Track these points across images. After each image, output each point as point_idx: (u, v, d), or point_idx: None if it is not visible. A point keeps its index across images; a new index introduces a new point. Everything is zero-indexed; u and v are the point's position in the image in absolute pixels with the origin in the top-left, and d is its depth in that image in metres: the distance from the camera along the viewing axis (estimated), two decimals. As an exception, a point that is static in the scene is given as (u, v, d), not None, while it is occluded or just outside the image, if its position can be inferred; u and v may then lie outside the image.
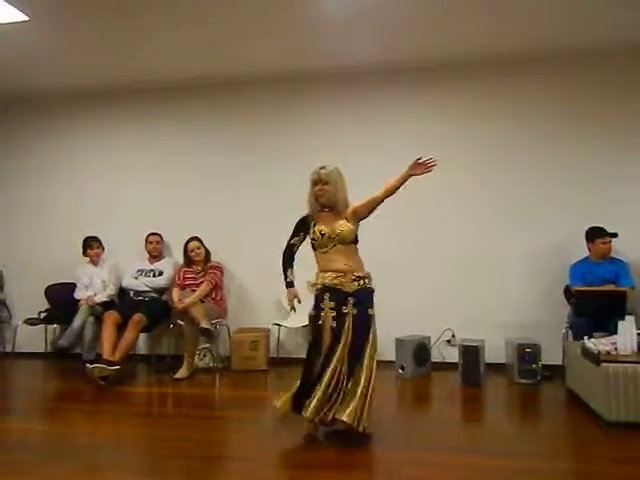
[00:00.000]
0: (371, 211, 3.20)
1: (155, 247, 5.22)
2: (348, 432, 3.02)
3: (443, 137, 4.93)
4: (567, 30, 4.30)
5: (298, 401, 3.12)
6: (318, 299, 3.17)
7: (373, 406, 3.08)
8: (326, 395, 3.02)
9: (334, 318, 3.10)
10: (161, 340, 5.30)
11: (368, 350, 3.08)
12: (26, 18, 3.95)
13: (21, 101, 5.77)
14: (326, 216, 3.22)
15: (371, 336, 3.11)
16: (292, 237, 3.32)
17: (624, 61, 4.64)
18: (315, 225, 3.21)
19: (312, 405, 3.01)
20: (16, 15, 3.90)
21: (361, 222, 3.26)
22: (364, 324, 3.10)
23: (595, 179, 4.68)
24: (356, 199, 3.63)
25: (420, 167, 3.06)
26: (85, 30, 4.24)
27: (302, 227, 3.29)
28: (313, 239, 3.21)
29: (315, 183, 3.19)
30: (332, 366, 3.03)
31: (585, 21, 4.15)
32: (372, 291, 3.20)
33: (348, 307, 3.11)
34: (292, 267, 3.30)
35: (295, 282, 3.31)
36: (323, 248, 3.18)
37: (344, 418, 2.92)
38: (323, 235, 3.16)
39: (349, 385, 3.03)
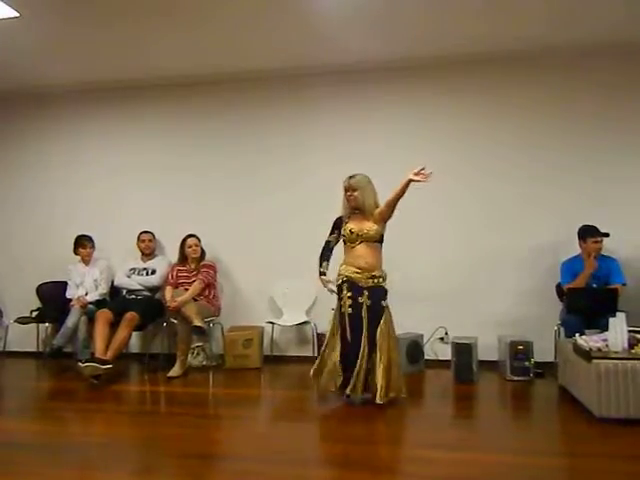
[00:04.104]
0: (392, 211, 3.67)
1: (147, 245, 5.19)
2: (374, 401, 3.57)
3: (434, 137, 4.95)
4: (556, 29, 4.32)
5: (346, 382, 3.67)
6: (339, 289, 3.74)
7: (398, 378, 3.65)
8: (361, 374, 3.60)
9: (350, 306, 3.68)
10: (154, 339, 5.28)
11: (381, 334, 3.62)
12: (16, 14, 3.92)
13: (15, 98, 5.71)
14: (356, 217, 3.79)
15: (382, 321, 3.65)
16: (329, 235, 3.89)
17: (614, 61, 4.66)
18: (347, 224, 3.78)
19: (352, 383, 3.61)
20: (6, 11, 3.87)
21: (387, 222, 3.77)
22: (377, 314, 3.67)
23: (584, 179, 4.70)
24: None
25: (418, 175, 3.45)
26: (77, 26, 4.21)
27: (336, 226, 3.86)
28: (343, 235, 3.80)
29: (346, 190, 3.76)
30: (362, 349, 3.60)
31: (576, 20, 4.16)
32: (384, 289, 3.76)
33: (363, 298, 3.67)
34: (327, 261, 3.85)
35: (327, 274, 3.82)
36: (352, 243, 3.75)
37: (377, 400, 3.53)
38: (352, 233, 3.73)
39: (370, 365, 3.61)
